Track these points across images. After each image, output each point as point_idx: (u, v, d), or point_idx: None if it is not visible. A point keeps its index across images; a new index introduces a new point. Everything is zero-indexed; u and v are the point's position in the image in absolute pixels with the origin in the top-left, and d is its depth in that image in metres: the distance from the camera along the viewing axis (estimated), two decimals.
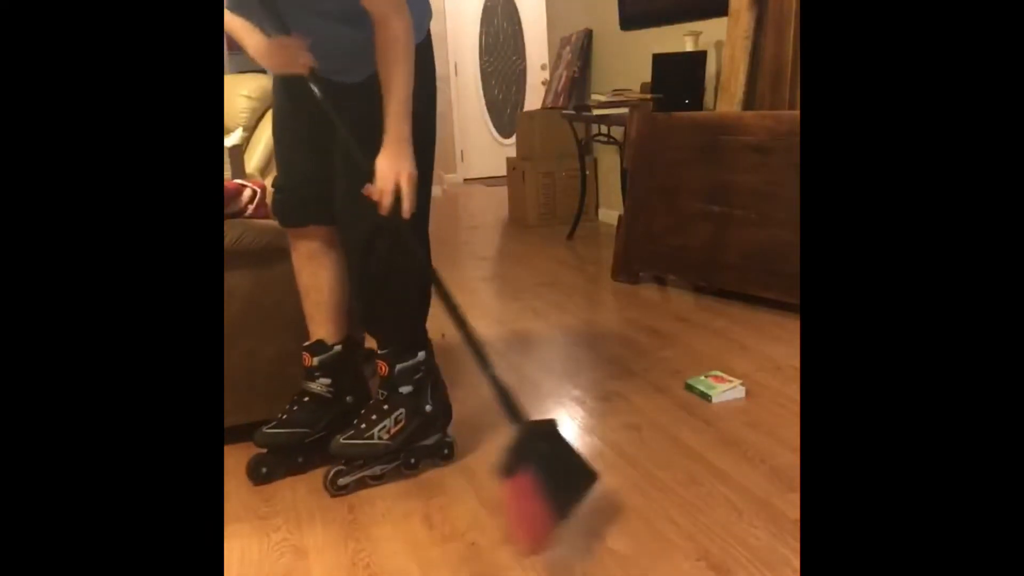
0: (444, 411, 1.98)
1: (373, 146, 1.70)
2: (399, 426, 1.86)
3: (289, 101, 1.89)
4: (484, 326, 3.08)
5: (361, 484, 1.87)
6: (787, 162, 2.95)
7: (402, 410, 1.87)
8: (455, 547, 1.63)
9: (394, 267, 1.84)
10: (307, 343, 1.95)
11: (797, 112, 3.04)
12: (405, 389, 1.88)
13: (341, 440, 1.83)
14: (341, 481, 1.85)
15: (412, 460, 1.93)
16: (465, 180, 7.79)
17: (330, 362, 1.94)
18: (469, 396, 2.40)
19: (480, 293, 3.63)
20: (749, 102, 3.47)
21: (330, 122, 1.74)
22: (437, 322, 2.00)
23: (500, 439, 2.10)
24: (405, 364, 1.88)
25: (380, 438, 1.84)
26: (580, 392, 2.40)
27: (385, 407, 1.87)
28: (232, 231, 1.97)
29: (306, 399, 1.94)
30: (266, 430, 1.90)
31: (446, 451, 1.99)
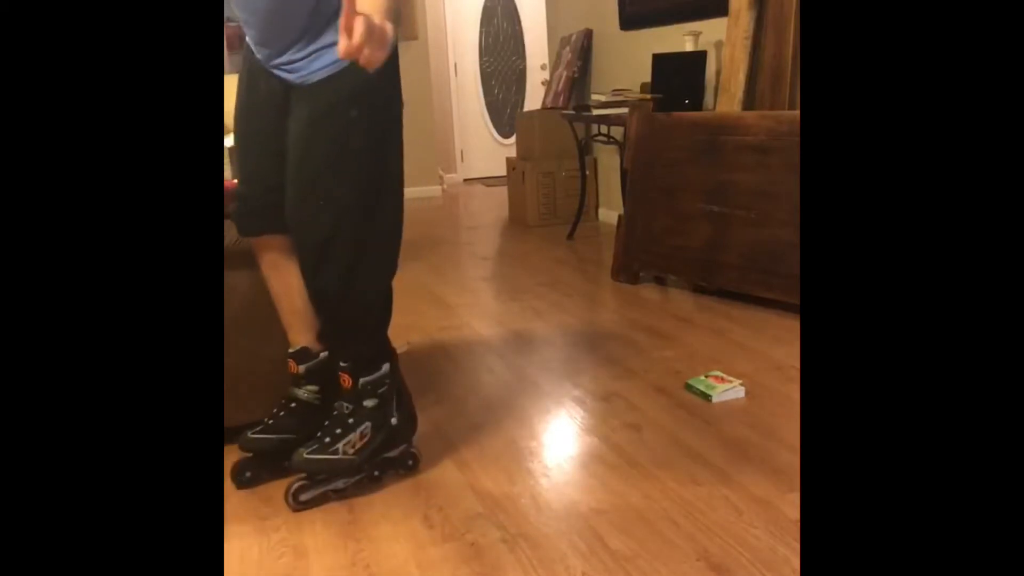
0: (409, 422, 1.93)
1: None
2: (364, 440, 1.81)
3: (249, 98, 1.82)
4: (484, 326, 3.09)
5: (323, 499, 1.82)
6: (787, 162, 2.95)
7: (367, 424, 1.82)
8: (455, 547, 1.63)
9: (355, 277, 1.77)
10: (292, 350, 1.91)
11: (797, 112, 3.04)
12: (370, 403, 1.83)
13: (305, 455, 1.77)
14: (303, 497, 1.80)
15: (376, 473, 1.87)
16: (465, 180, 7.79)
17: (317, 369, 1.91)
18: (468, 396, 2.40)
19: (480, 293, 3.63)
20: (749, 102, 3.47)
21: (285, 123, 1.70)
22: (401, 331, 1.99)
23: (500, 439, 2.11)
24: (369, 377, 1.83)
25: (345, 452, 1.79)
26: (580, 392, 2.40)
27: (350, 421, 1.81)
28: (232, 231, 1.98)
29: (293, 405, 1.91)
30: (251, 435, 1.88)
31: (410, 462, 1.93)
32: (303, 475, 1.80)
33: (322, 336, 1.89)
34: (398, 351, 1.95)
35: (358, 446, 1.80)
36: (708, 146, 3.23)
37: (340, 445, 1.79)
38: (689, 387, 2.34)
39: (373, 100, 1.72)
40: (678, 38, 3.96)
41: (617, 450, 2.00)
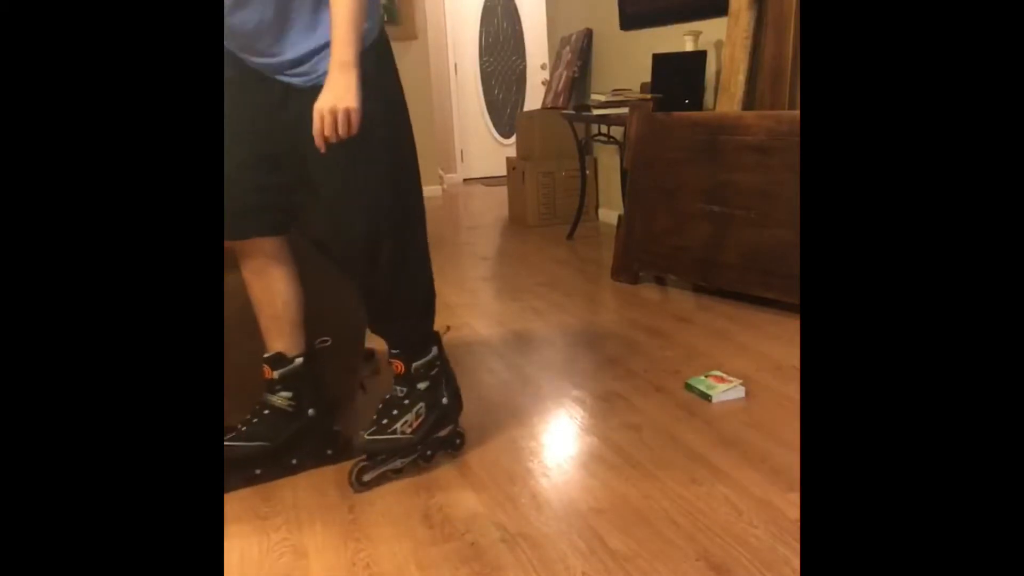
0: (456, 401, 2.01)
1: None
2: (420, 420, 1.90)
3: (236, 102, 1.74)
4: (484, 326, 3.09)
5: (383, 478, 1.90)
6: (787, 162, 2.95)
7: (422, 404, 1.91)
8: (455, 547, 1.63)
9: (402, 272, 1.84)
10: (267, 355, 1.90)
11: (797, 112, 3.04)
12: (422, 385, 1.92)
13: (366, 436, 1.85)
14: (366, 477, 1.87)
15: (428, 452, 1.96)
16: (465, 180, 7.79)
17: (291, 375, 1.91)
18: (468, 396, 2.40)
19: (480, 293, 3.63)
20: (749, 102, 3.47)
21: (290, 125, 1.70)
22: (442, 316, 2.04)
23: (500, 439, 2.11)
24: (420, 361, 1.91)
25: (404, 432, 1.87)
26: (580, 392, 2.40)
27: (406, 402, 1.90)
28: None
29: (266, 412, 1.90)
30: (224, 442, 1.85)
31: (458, 441, 2.02)
32: (363, 456, 1.87)
33: (372, 327, 1.95)
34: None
35: (415, 425, 1.89)
36: (708, 146, 3.22)
37: (398, 425, 1.87)
38: (689, 387, 2.34)
39: (384, 90, 1.74)
40: (678, 38, 3.96)
41: (617, 450, 2.00)
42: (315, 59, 1.68)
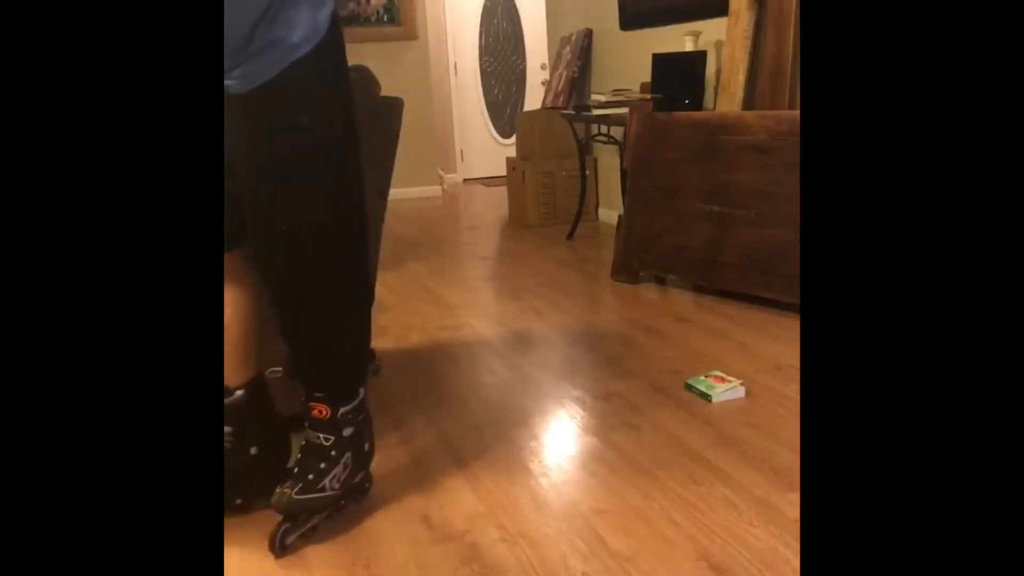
0: (373, 445, 1.80)
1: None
2: (347, 472, 1.69)
3: None
4: (484, 326, 3.09)
5: (303, 539, 1.68)
6: (787, 162, 2.95)
7: (349, 454, 1.69)
8: (455, 547, 1.63)
9: (329, 306, 1.61)
10: None
11: (797, 112, 3.04)
12: (348, 431, 1.69)
13: (293, 496, 1.61)
14: (289, 540, 1.65)
15: (342, 503, 1.73)
16: (465, 180, 7.79)
17: (231, 409, 1.71)
18: (469, 396, 2.40)
19: (480, 293, 3.63)
20: (749, 102, 3.47)
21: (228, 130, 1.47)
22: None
23: (500, 439, 2.11)
24: (348, 406, 1.68)
25: (333, 488, 1.66)
26: (580, 392, 2.40)
27: (332, 453, 1.67)
28: None
29: None
30: None
31: (367, 485, 1.81)
32: (284, 519, 1.64)
33: (293, 368, 1.69)
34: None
35: (343, 479, 1.69)
36: (708, 146, 3.23)
37: (327, 481, 1.65)
38: (689, 387, 2.34)
39: (324, 101, 1.54)
40: (678, 38, 3.96)
41: (617, 450, 2.00)
42: (243, 66, 1.47)
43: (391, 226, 5.40)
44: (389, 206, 2.38)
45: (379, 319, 3.21)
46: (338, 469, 1.67)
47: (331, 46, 1.53)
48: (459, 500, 1.81)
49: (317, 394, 1.67)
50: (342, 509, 1.74)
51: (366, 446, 1.75)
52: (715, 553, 1.55)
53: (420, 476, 1.93)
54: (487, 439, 2.10)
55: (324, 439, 1.68)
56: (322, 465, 1.66)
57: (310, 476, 1.64)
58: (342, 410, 1.68)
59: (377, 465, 1.87)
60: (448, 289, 3.66)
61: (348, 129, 1.60)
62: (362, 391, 1.72)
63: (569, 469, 1.93)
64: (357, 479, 1.75)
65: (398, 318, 3.23)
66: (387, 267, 4.16)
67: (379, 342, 2.93)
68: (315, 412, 1.67)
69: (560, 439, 2.10)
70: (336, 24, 1.56)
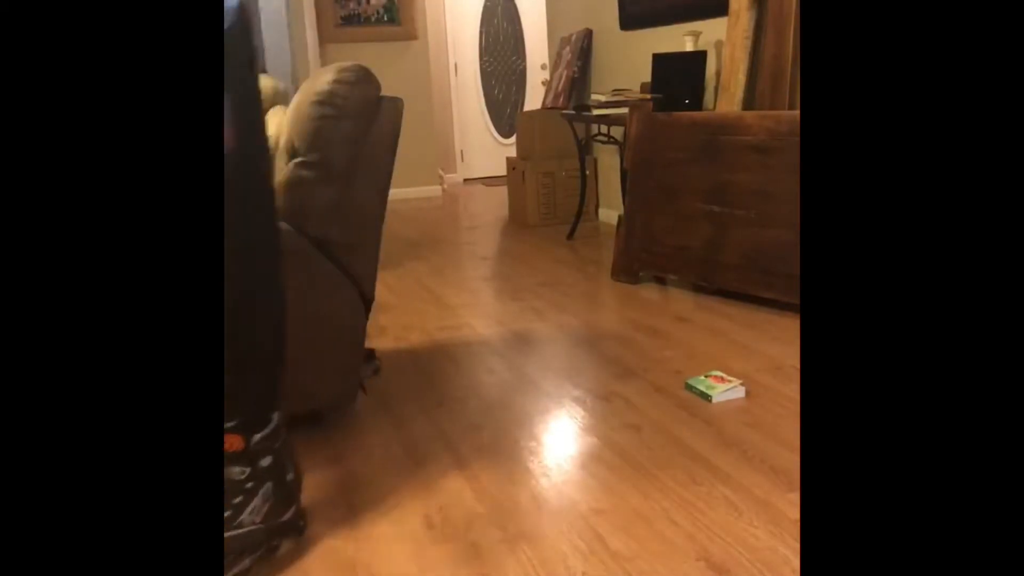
0: (298, 476, 1.67)
1: None
2: (268, 504, 1.58)
3: None
4: (484, 326, 3.09)
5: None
6: (787, 162, 2.95)
7: (268, 484, 1.58)
8: (455, 547, 1.63)
9: (239, 310, 1.51)
10: None
11: (797, 112, 3.04)
12: (266, 461, 1.58)
13: None
14: None
15: (274, 543, 1.60)
16: (465, 180, 7.79)
17: None
18: (469, 396, 2.40)
19: (480, 293, 3.63)
20: (749, 102, 3.47)
21: None
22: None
23: (500, 439, 2.11)
24: (262, 433, 1.58)
25: (253, 523, 1.56)
26: (580, 392, 2.40)
27: (249, 485, 1.57)
28: None
29: None
30: None
31: (301, 523, 1.66)
32: None
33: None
34: None
35: (264, 512, 1.57)
36: (708, 146, 3.23)
37: (245, 516, 1.55)
38: (689, 387, 2.34)
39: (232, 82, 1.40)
40: (678, 38, 3.96)
41: (617, 450, 2.00)
42: None
43: (391, 226, 5.40)
44: (389, 206, 2.38)
45: (379, 319, 3.22)
46: (256, 501, 1.57)
47: (231, 47, 1.42)
48: (459, 500, 1.81)
49: (228, 424, 1.56)
50: (275, 550, 1.61)
51: (289, 476, 1.63)
52: (715, 553, 1.55)
53: (420, 476, 1.93)
54: (487, 439, 2.10)
55: (238, 472, 1.57)
56: (237, 499, 1.56)
57: (227, 512, 1.55)
58: (256, 437, 1.57)
59: (377, 465, 1.87)
60: (448, 289, 3.66)
61: (243, 114, 1.45)
62: (276, 416, 1.61)
63: (569, 469, 1.93)
64: (288, 516, 1.62)
65: (398, 318, 3.23)
66: (387, 267, 4.16)
67: (379, 342, 2.93)
68: (227, 445, 1.57)
69: (560, 439, 2.10)
70: (236, 30, 1.44)
